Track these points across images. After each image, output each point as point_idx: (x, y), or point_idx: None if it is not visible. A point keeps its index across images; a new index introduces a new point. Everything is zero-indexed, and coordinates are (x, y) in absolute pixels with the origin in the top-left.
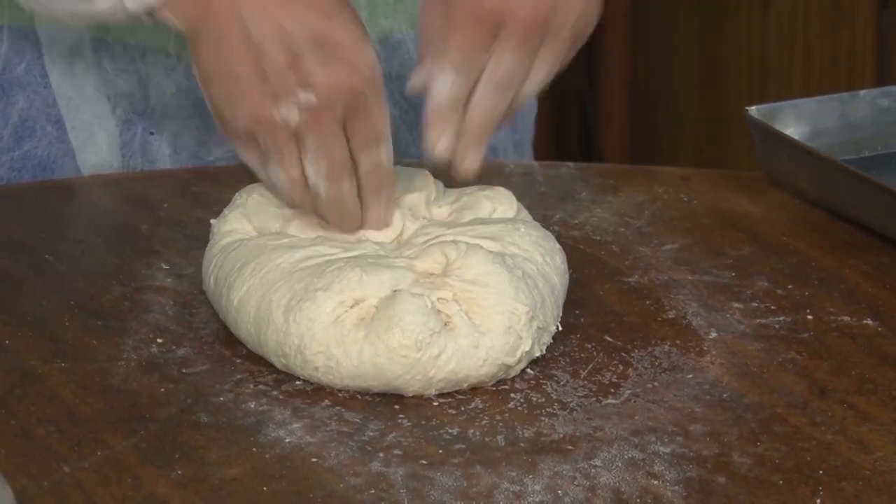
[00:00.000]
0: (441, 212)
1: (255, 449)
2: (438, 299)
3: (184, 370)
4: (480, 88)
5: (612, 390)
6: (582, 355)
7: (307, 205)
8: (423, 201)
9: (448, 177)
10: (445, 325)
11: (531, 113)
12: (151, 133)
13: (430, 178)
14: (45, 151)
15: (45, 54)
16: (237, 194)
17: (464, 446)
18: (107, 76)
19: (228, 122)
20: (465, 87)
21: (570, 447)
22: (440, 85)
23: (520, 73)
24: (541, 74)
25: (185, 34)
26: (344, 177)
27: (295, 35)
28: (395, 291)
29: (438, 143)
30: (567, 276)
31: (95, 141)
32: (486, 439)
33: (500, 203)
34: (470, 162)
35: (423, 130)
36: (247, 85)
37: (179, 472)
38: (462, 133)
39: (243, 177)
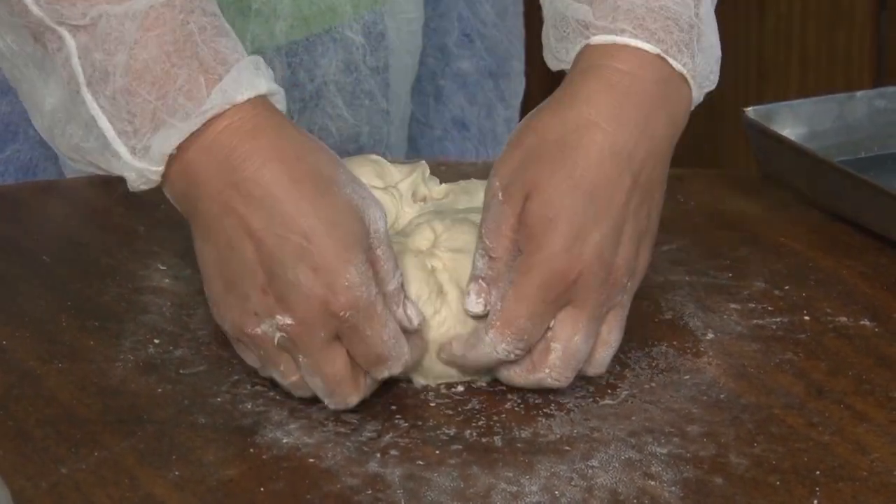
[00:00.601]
0: (440, 189)
1: (252, 450)
2: (431, 268)
3: (181, 371)
4: (549, 366)
5: (610, 391)
6: None
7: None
8: (420, 181)
9: (442, 176)
10: (439, 291)
11: (519, 89)
12: None
13: (424, 164)
14: (27, 155)
15: None
16: None
17: (461, 447)
18: None
19: (220, 322)
20: (523, 353)
21: (567, 448)
22: (494, 354)
23: (588, 349)
24: (608, 350)
25: None
26: (348, 392)
27: (274, 254)
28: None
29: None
30: None
31: None
32: (483, 440)
33: None
34: None
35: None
36: (230, 297)
37: (177, 472)
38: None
39: None
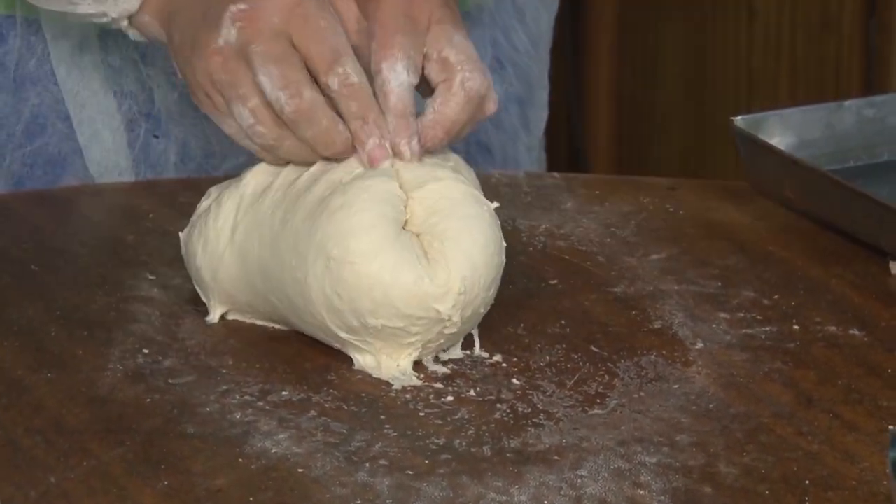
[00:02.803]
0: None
1: (241, 459)
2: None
3: (170, 381)
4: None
5: (599, 400)
6: (568, 366)
7: (282, 140)
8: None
9: None
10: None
11: (542, 118)
12: (155, 136)
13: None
14: (55, 148)
15: (51, 49)
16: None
17: (450, 456)
18: (113, 71)
19: (192, 82)
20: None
21: (556, 457)
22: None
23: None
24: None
25: (159, 38)
26: (303, 85)
27: None
28: None
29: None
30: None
31: (100, 138)
32: (473, 449)
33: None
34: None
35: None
36: (201, 34)
37: (165, 482)
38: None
39: None
